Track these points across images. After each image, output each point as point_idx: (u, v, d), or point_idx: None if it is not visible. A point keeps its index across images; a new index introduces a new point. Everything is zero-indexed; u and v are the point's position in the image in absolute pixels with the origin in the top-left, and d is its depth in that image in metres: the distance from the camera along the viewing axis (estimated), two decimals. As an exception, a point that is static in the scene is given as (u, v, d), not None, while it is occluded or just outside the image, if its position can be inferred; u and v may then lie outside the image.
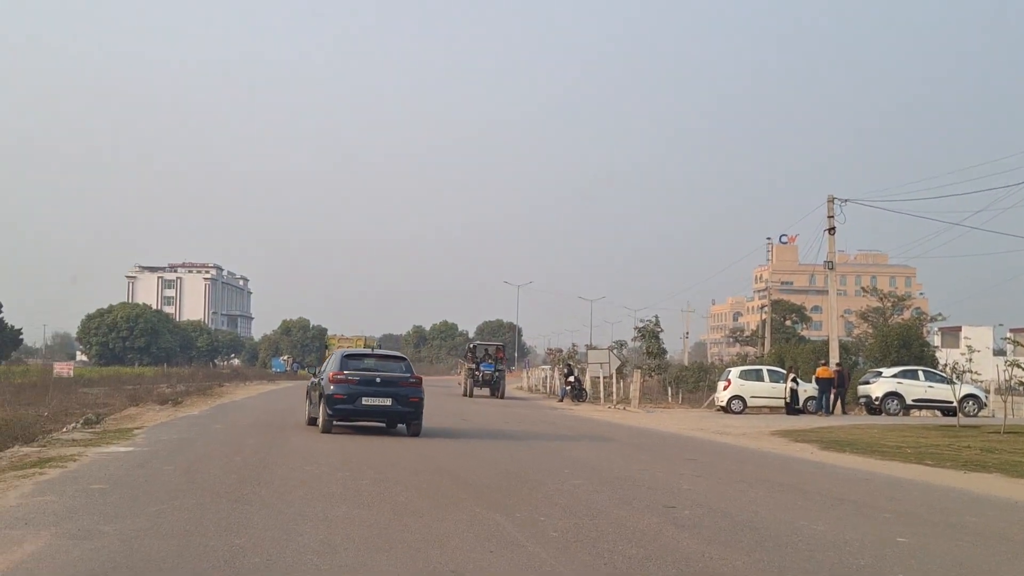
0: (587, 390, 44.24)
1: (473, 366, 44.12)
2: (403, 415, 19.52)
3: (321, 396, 20.00)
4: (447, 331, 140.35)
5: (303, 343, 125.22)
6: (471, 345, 46.82)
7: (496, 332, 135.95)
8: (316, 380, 20.88)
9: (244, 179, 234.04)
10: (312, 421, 21.04)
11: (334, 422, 19.92)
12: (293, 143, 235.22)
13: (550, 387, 54.16)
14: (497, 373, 43.78)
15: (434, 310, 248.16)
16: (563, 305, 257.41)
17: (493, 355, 45.48)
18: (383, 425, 20.45)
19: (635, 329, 49.02)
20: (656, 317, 47.18)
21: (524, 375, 67.28)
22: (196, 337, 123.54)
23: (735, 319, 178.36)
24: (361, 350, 25.41)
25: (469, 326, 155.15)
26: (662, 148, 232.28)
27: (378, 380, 19.49)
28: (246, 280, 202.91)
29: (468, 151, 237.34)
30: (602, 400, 41.91)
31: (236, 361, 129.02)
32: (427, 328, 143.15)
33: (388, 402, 19.39)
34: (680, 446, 19.46)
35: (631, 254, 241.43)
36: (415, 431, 19.55)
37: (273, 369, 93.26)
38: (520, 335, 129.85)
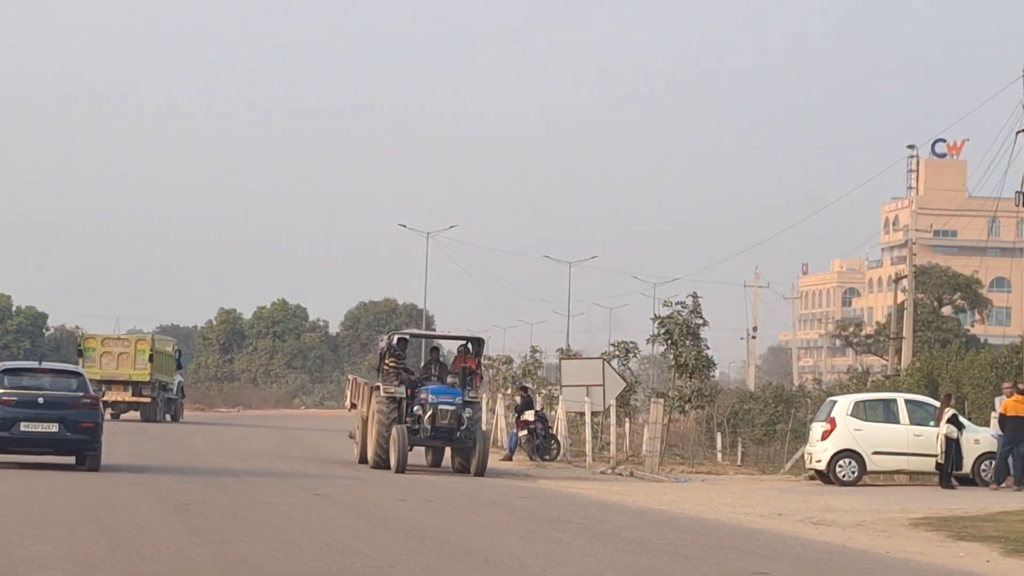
0: (560, 438, 44.45)
1: (398, 392, 35.03)
2: (74, 444, 28.10)
3: None
4: (287, 319, 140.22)
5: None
6: (393, 338, 36.94)
7: (382, 322, 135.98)
8: None
9: None
10: None
11: None
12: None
13: (493, 433, 54.41)
14: (469, 411, 34.45)
15: (259, 283, 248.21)
16: (510, 272, 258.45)
17: (455, 365, 36.41)
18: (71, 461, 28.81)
19: (654, 320, 49.27)
20: (694, 296, 47.51)
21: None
22: None
23: (846, 302, 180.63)
24: (21, 364, 33.09)
25: (329, 311, 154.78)
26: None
27: (41, 401, 27.87)
28: None
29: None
30: (588, 457, 42.18)
31: None
32: (246, 315, 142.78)
33: (54, 428, 27.74)
34: (739, 547, 19.77)
35: (646, 180, 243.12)
36: (93, 464, 28.26)
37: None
38: (431, 328, 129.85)
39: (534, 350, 68.33)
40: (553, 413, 46.62)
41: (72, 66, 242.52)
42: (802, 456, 37.40)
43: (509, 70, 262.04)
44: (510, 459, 43.30)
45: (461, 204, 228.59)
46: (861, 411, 34.76)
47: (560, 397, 46.72)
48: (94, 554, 15.62)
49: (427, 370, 36.48)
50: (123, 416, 62.97)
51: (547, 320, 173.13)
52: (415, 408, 34.44)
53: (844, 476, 33.81)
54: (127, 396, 61.46)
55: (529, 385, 50.99)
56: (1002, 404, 33.65)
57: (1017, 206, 36.47)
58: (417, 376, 36.22)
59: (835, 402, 35.81)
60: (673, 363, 47.65)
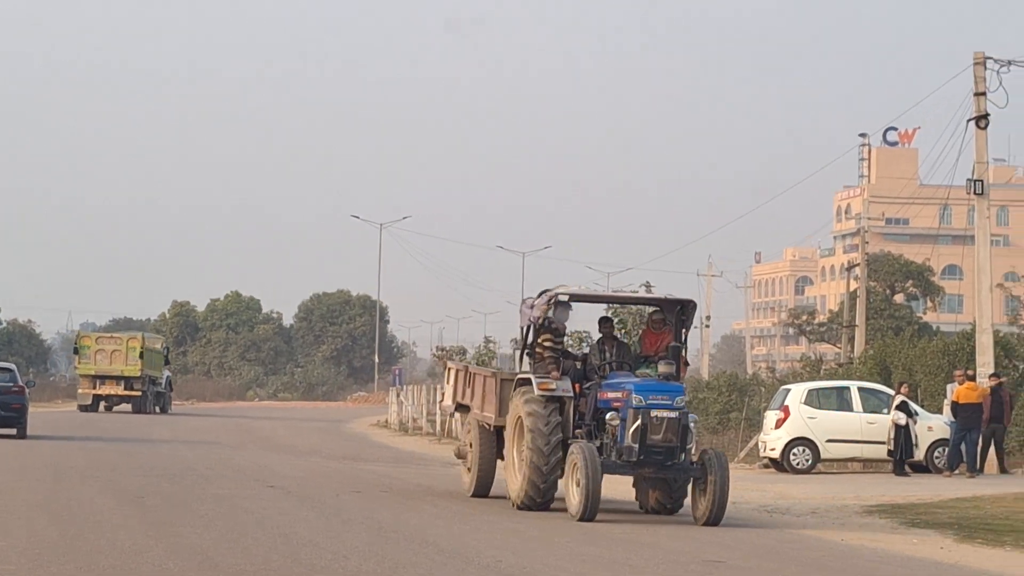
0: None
1: (561, 388, 22.52)
2: (7, 420, 38.55)
3: None
4: (240, 311, 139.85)
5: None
6: (552, 303, 23.27)
7: (336, 314, 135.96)
8: None
9: None
10: None
11: None
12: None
13: (446, 424, 54.33)
14: (694, 418, 23.06)
15: (213, 275, 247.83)
16: (463, 263, 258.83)
17: (647, 345, 23.92)
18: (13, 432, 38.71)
19: (607, 309, 49.31)
20: (647, 286, 47.70)
21: (394, 396, 67.41)
22: None
23: (799, 290, 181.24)
24: None
25: (282, 303, 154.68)
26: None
27: None
28: None
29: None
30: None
31: None
32: (200, 308, 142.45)
33: None
34: (694, 536, 19.94)
35: (599, 170, 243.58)
36: (21, 433, 38.69)
37: None
38: (384, 319, 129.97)
39: (488, 340, 68.28)
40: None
41: (24, 53, 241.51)
42: (756, 445, 37.51)
43: (462, 59, 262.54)
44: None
45: (414, 195, 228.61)
46: (815, 399, 34.92)
47: (515, 387, 46.54)
48: (49, 548, 15.60)
49: (600, 353, 23.51)
50: (115, 408, 66.64)
51: (501, 310, 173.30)
52: (607, 415, 21.86)
53: (798, 464, 33.96)
54: (119, 390, 65.72)
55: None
56: (954, 391, 33.89)
57: (968, 194, 36.54)
58: (590, 362, 23.43)
59: (788, 390, 35.94)
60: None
